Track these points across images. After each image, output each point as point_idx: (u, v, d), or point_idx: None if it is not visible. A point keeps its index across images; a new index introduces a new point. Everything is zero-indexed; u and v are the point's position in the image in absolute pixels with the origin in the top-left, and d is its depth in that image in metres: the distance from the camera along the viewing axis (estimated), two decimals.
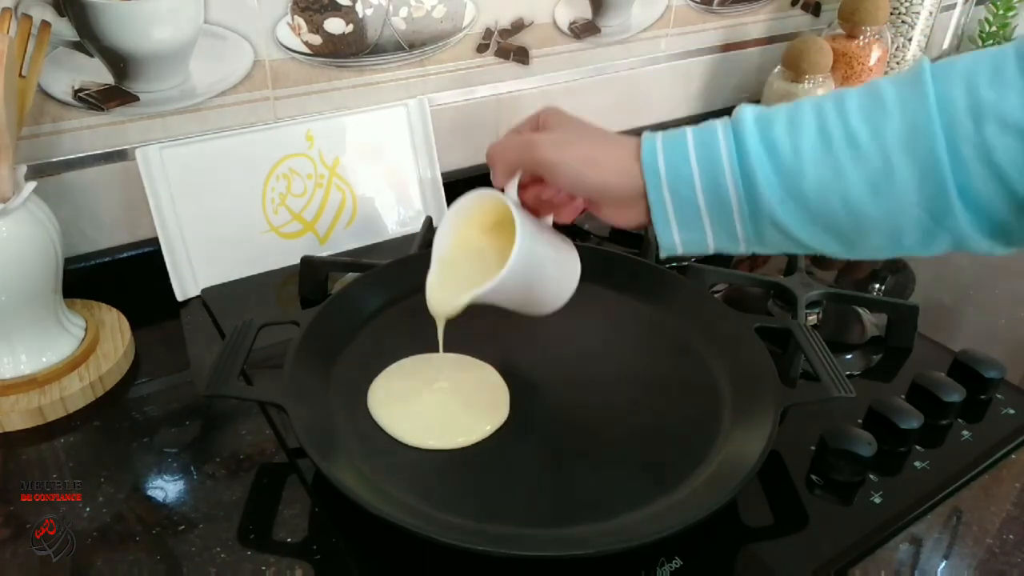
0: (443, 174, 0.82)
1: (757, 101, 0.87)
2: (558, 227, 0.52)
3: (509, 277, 0.46)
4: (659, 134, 0.42)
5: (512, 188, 0.47)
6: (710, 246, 0.43)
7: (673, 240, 0.43)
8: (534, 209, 0.49)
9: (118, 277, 0.69)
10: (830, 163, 0.38)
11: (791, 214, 0.40)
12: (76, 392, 0.56)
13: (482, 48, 0.83)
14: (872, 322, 0.69)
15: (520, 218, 0.46)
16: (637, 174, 0.42)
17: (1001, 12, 1.14)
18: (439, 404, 0.55)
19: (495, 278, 0.46)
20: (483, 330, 0.62)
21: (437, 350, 0.55)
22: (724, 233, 0.42)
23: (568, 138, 0.45)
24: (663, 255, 0.45)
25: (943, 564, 0.49)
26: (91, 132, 0.65)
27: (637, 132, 0.44)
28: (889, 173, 0.37)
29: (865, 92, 0.39)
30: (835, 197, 0.38)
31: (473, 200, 0.50)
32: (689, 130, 0.42)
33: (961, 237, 0.38)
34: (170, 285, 0.69)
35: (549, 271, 0.50)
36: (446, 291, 0.50)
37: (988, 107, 0.35)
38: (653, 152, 0.42)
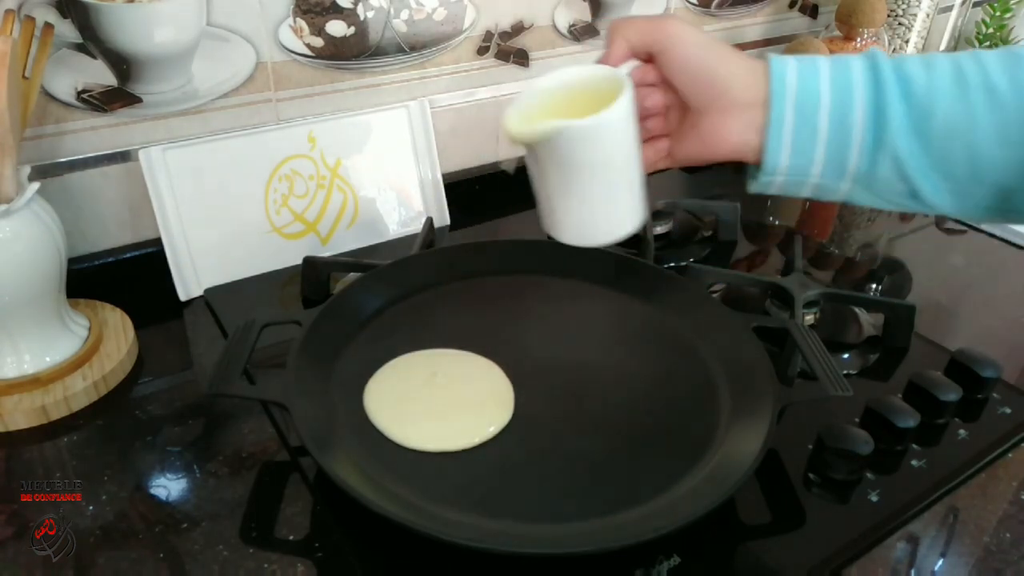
0: (444, 175, 0.82)
1: None
2: None
3: (599, 126, 0.41)
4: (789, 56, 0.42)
5: (626, 69, 0.43)
6: (813, 179, 0.42)
7: (779, 163, 0.42)
8: None
9: (121, 277, 0.69)
10: (963, 105, 0.38)
11: (913, 151, 0.39)
12: (79, 391, 0.56)
13: (482, 50, 0.83)
14: (869, 322, 0.69)
15: (630, 92, 0.42)
16: (762, 79, 0.41)
17: (998, 14, 1.14)
18: (442, 404, 0.55)
19: (589, 117, 0.41)
20: (482, 329, 0.62)
21: (437, 349, 0.54)
22: (834, 164, 0.41)
23: (698, 31, 0.43)
24: (755, 188, 0.44)
25: (940, 562, 0.49)
26: (94, 133, 0.66)
27: None
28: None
29: (1002, 50, 0.39)
30: (960, 139, 0.39)
31: (586, 69, 0.45)
32: (820, 57, 0.42)
33: None
34: (173, 285, 0.69)
35: (624, 172, 0.45)
36: (533, 115, 0.44)
37: None
38: (783, 64, 0.41)
